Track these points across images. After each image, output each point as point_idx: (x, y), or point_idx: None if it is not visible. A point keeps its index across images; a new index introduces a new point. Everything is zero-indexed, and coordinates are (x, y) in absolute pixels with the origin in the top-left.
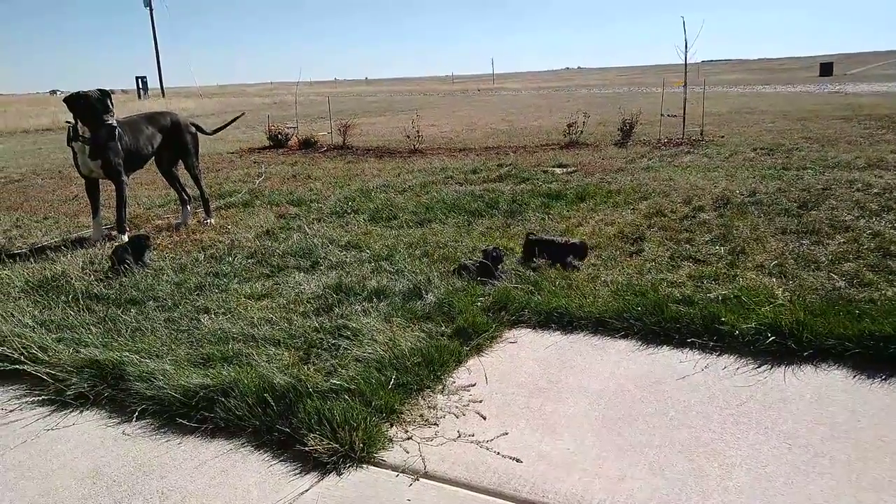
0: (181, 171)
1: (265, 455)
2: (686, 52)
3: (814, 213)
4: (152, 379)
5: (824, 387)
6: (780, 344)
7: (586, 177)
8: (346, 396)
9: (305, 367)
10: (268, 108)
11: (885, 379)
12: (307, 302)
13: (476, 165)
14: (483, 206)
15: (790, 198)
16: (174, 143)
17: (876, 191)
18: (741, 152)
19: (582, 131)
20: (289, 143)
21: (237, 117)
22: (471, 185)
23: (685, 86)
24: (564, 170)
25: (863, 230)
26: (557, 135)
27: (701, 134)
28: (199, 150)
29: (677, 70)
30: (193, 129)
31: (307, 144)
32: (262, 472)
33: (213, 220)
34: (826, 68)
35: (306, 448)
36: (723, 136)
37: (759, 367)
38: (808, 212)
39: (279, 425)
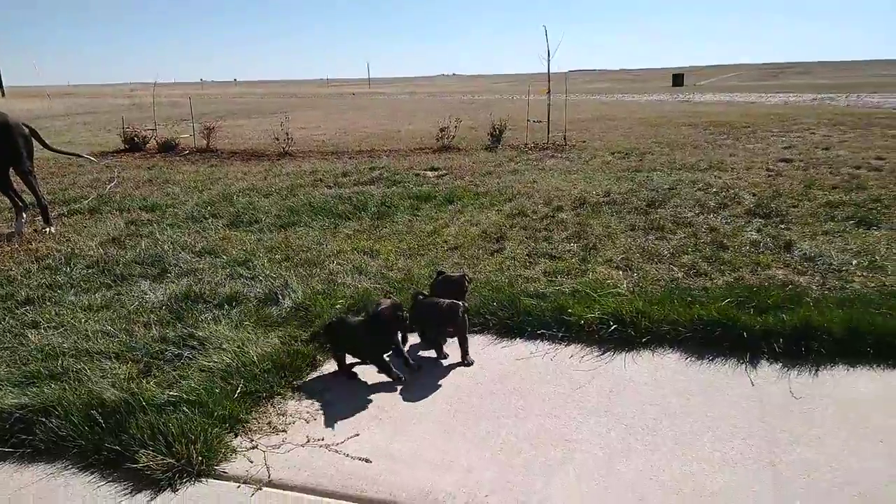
0: (14, 176)
1: (91, 477)
2: (549, 60)
3: (660, 211)
4: None
5: (660, 370)
6: (621, 332)
7: (456, 180)
8: (186, 408)
9: (144, 381)
10: (125, 110)
11: (711, 360)
12: (151, 312)
13: (347, 169)
14: (351, 208)
15: (640, 197)
16: (3, 145)
17: (715, 190)
18: (600, 156)
19: (454, 136)
20: (147, 146)
21: (84, 157)
22: (341, 188)
23: (549, 93)
24: (436, 173)
25: (701, 225)
26: (431, 139)
27: (564, 139)
28: (34, 152)
29: (546, 79)
30: (26, 131)
31: (167, 148)
32: (87, 495)
33: (52, 229)
34: (678, 79)
35: (138, 465)
36: (584, 141)
37: (602, 354)
38: (656, 210)
39: (108, 443)
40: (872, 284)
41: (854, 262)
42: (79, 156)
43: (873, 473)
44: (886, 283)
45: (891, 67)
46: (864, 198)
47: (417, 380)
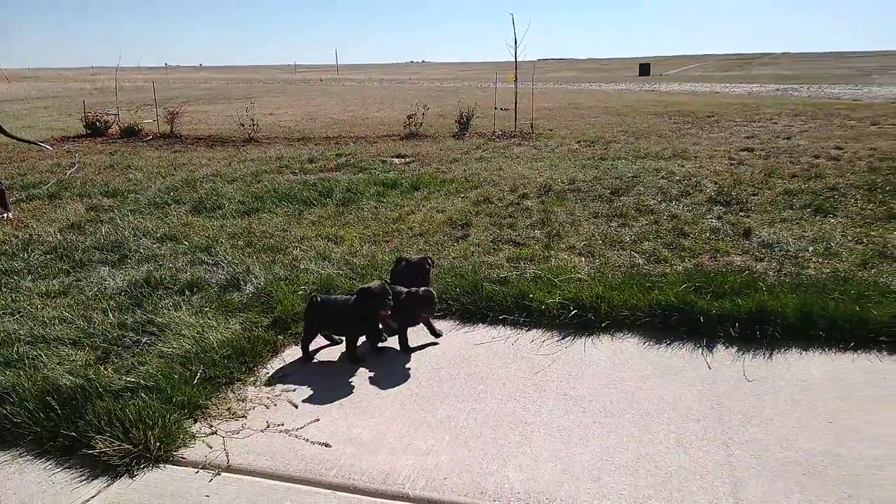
0: None
1: (47, 463)
2: (516, 48)
3: (623, 199)
4: None
5: (618, 354)
6: (581, 316)
7: (423, 167)
8: (144, 394)
9: (102, 367)
10: (88, 94)
11: (669, 344)
12: (110, 298)
13: (314, 155)
14: (316, 194)
15: (604, 185)
16: None
17: (678, 178)
18: (566, 144)
19: (422, 123)
20: (109, 131)
21: (39, 145)
22: (306, 174)
23: (516, 81)
24: (403, 160)
25: (663, 213)
26: (399, 126)
27: (531, 127)
28: None
29: (513, 67)
30: None
31: (130, 133)
32: (42, 481)
33: (10, 214)
34: (644, 68)
35: (94, 451)
36: (551, 130)
37: (562, 338)
38: (619, 197)
39: (64, 430)
40: (827, 270)
41: (810, 248)
42: (34, 143)
43: (821, 454)
44: (840, 269)
45: (853, 59)
46: (822, 186)
47: (381, 365)
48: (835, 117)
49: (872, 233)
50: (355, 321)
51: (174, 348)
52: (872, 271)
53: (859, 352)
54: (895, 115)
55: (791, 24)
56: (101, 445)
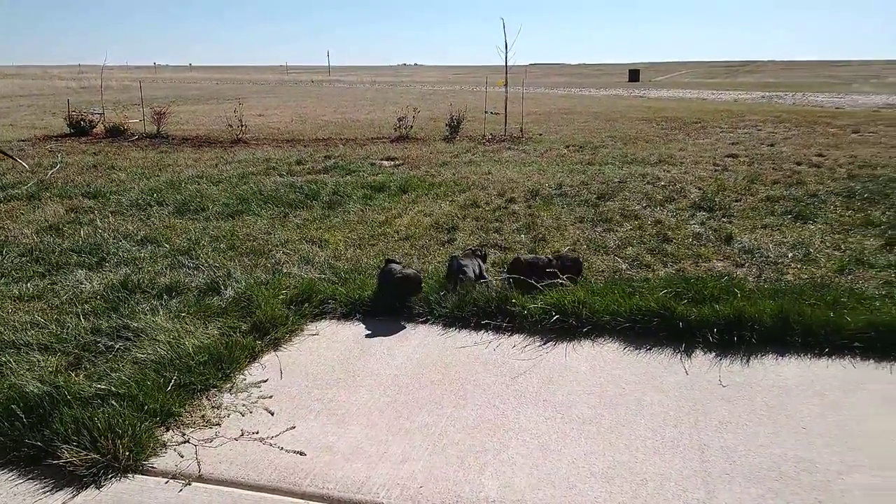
0: None
1: (10, 474)
2: (507, 52)
3: (609, 204)
4: None
5: (598, 359)
6: (563, 322)
7: (412, 170)
8: (115, 402)
9: (73, 374)
10: (74, 93)
11: (648, 350)
12: (85, 302)
13: (302, 157)
14: (303, 197)
15: (591, 190)
16: None
17: (663, 183)
18: (555, 149)
19: (412, 125)
20: (93, 130)
21: (16, 160)
22: (293, 176)
23: (506, 85)
24: (392, 162)
25: (647, 218)
26: (389, 128)
27: (521, 131)
28: None
29: (504, 71)
30: None
31: (115, 132)
32: (4, 493)
33: None
34: (634, 74)
35: (60, 462)
36: (541, 134)
37: (543, 343)
38: (605, 202)
39: (28, 439)
40: (805, 276)
41: (789, 254)
42: (13, 157)
43: (794, 460)
44: (817, 275)
45: (834, 68)
46: (803, 193)
47: (360, 370)
48: (817, 125)
49: (850, 239)
50: None
51: (149, 354)
52: (849, 277)
53: (833, 358)
54: (875, 124)
55: (778, 32)
56: (67, 455)
